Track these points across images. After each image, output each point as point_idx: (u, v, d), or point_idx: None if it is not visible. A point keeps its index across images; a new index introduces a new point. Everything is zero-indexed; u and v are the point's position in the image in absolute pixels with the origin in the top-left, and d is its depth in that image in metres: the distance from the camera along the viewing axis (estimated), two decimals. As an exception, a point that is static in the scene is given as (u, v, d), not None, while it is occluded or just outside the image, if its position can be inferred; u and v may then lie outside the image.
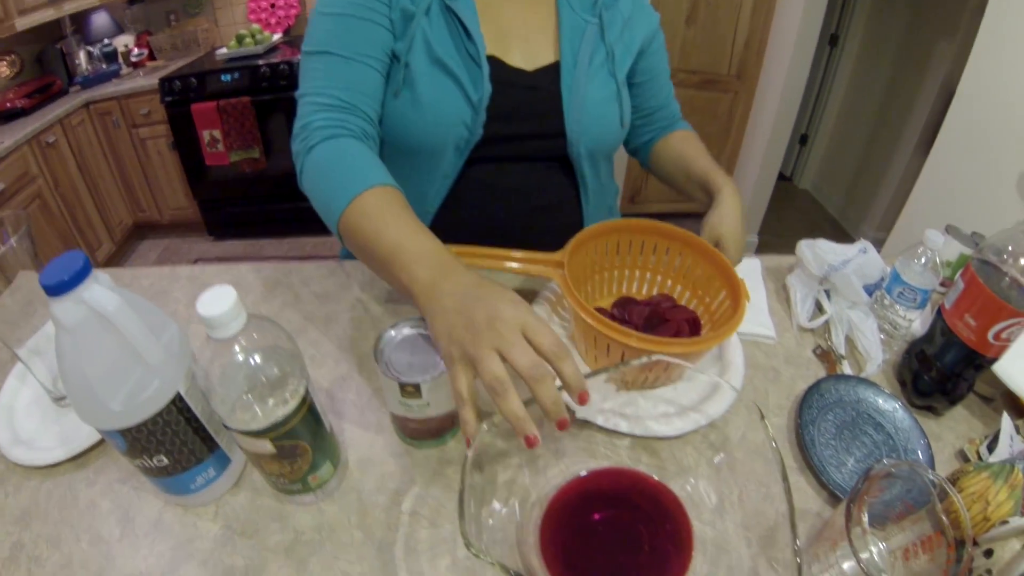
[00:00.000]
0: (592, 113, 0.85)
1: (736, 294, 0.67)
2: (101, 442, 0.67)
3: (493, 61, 0.81)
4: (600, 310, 0.75)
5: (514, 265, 0.71)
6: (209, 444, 0.55)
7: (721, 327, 0.65)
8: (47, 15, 2.86)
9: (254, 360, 0.47)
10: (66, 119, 2.84)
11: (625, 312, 0.75)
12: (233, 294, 0.44)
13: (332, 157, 0.71)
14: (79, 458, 0.65)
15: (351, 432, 0.67)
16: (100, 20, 3.29)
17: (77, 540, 0.57)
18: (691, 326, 0.72)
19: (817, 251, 0.84)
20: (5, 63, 2.97)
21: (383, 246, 0.59)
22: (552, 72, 0.84)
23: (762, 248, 2.93)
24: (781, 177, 2.80)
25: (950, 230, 0.88)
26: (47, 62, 3.13)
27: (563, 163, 0.90)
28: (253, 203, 3.23)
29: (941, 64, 2.63)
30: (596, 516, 0.54)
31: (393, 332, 0.59)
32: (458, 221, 0.89)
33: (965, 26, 2.48)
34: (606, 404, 0.66)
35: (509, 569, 0.40)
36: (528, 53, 0.84)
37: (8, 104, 2.78)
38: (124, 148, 3.14)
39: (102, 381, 0.47)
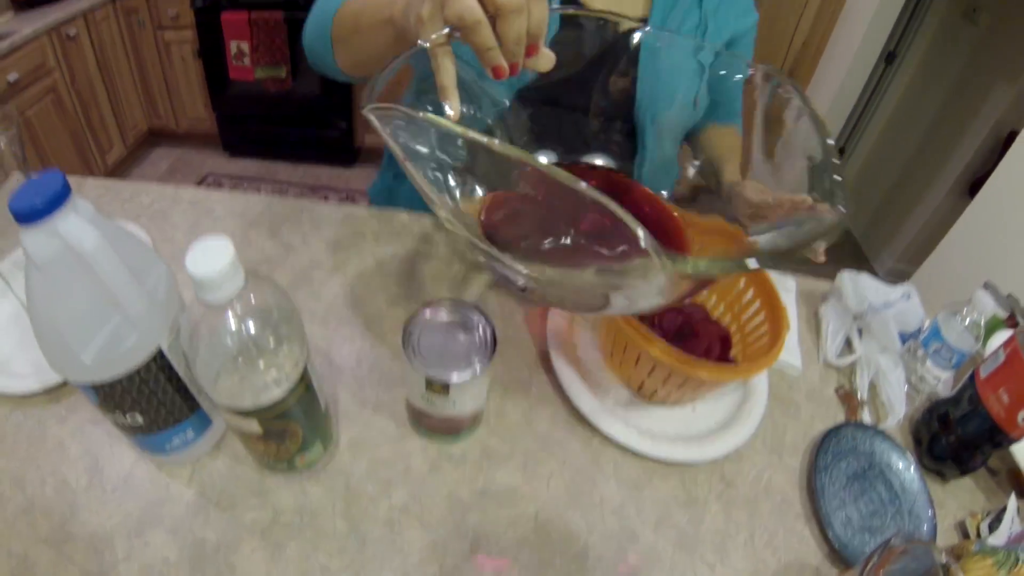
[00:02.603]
0: (667, 81, 0.76)
1: (777, 322, 0.62)
2: (78, 379, 0.63)
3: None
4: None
5: None
6: (190, 404, 0.51)
7: (755, 353, 0.61)
8: None
9: (248, 329, 0.41)
10: (90, 13, 2.74)
11: (656, 316, 0.71)
12: (230, 250, 0.37)
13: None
14: (53, 392, 0.61)
15: (346, 406, 0.62)
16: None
17: (42, 483, 0.53)
18: (722, 344, 0.68)
19: (859, 286, 0.79)
20: None
21: (369, 6, 0.63)
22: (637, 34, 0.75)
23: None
24: (812, 189, 2.74)
25: (988, 287, 0.83)
26: None
27: (624, 127, 0.80)
28: (273, 123, 3.15)
29: (996, 106, 2.53)
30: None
31: (428, 313, 0.52)
32: None
33: None
34: (621, 411, 0.63)
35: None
36: (616, 2, 0.77)
37: None
38: (147, 50, 3.04)
39: (74, 328, 0.41)
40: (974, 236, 1.58)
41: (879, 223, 3.16)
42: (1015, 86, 2.45)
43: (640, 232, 0.33)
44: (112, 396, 0.45)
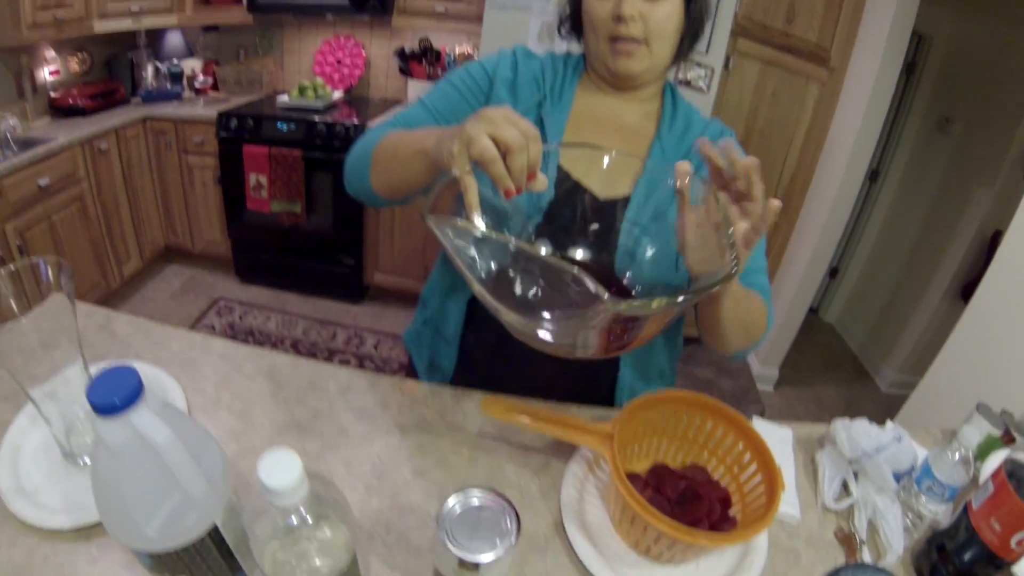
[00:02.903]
0: (646, 254, 0.86)
1: (772, 484, 0.68)
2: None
3: (565, 175, 0.88)
4: (633, 476, 0.76)
5: (561, 431, 0.73)
6: (233, 567, 0.55)
7: (754, 512, 0.67)
8: (125, 24, 3.00)
9: (305, 520, 0.47)
10: (122, 129, 2.94)
11: (659, 481, 0.76)
12: (298, 465, 0.44)
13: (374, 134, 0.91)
14: (83, 530, 0.63)
15: (377, 572, 0.65)
16: (173, 40, 3.45)
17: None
18: (723, 505, 0.73)
19: (852, 433, 0.85)
20: (76, 59, 3.12)
21: (406, 140, 0.81)
22: (621, 205, 0.88)
23: (782, 383, 2.91)
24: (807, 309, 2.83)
25: (981, 409, 0.88)
26: (115, 68, 3.28)
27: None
28: (285, 255, 3.27)
29: (978, 209, 2.69)
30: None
31: (458, 499, 0.58)
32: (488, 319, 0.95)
33: (1004, 176, 2.56)
34: (632, 571, 0.66)
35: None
36: (606, 182, 0.88)
37: (71, 101, 2.92)
38: (171, 170, 3.22)
39: (138, 505, 0.46)
40: (973, 341, 1.63)
41: (877, 337, 3.24)
42: (993, 187, 2.61)
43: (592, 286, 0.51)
44: (166, 562, 0.50)
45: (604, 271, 0.86)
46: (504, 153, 0.63)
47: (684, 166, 0.70)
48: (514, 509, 0.56)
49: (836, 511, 0.80)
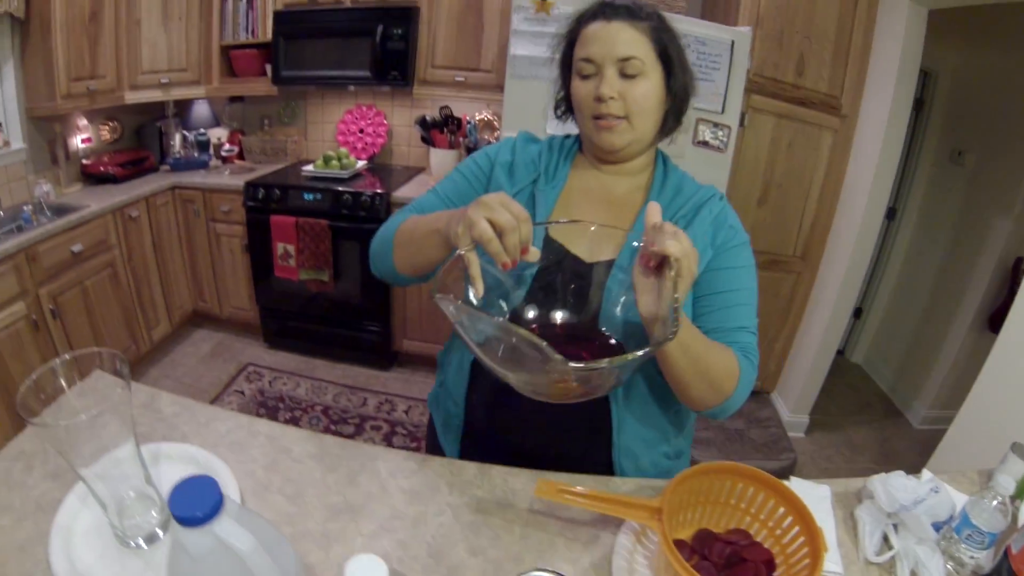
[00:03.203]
0: (631, 315, 0.90)
1: (815, 543, 0.71)
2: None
3: (552, 243, 0.95)
4: (679, 543, 0.79)
5: (611, 508, 0.77)
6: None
7: (798, 573, 0.70)
8: (154, 96, 3.18)
9: None
10: (152, 197, 3.06)
11: (705, 548, 0.79)
12: (385, 571, 0.47)
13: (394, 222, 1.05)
14: None
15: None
16: (201, 110, 3.59)
17: None
18: (768, 568, 0.75)
19: (889, 488, 0.87)
20: (107, 128, 3.28)
21: (422, 223, 0.94)
22: (604, 267, 0.94)
23: (813, 428, 2.90)
24: (833, 352, 2.84)
25: (1015, 449, 0.88)
26: (144, 137, 3.44)
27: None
28: (313, 321, 3.31)
29: (998, 237, 2.72)
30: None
31: None
32: (486, 381, 1.05)
33: (1022, 202, 2.60)
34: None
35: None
36: (592, 250, 0.95)
37: (102, 168, 3.06)
38: (199, 238, 3.33)
39: None
40: (1005, 372, 1.62)
41: (905, 374, 3.24)
42: (1012, 215, 2.64)
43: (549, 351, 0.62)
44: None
45: (587, 325, 0.93)
46: (500, 233, 0.74)
47: (653, 206, 0.78)
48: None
49: (879, 564, 0.82)
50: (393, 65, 3.00)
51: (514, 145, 1.10)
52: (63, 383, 0.72)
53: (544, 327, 0.92)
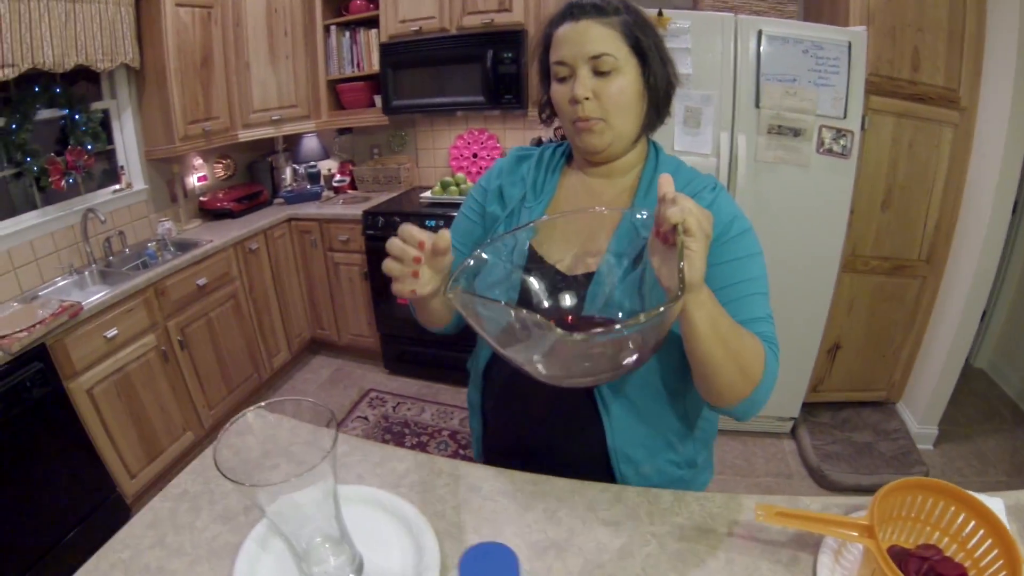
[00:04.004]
0: (615, 294, 0.92)
1: (1011, 554, 0.72)
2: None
3: (535, 257, 0.98)
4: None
5: (825, 528, 0.82)
6: None
7: None
8: (267, 132, 3.44)
9: None
10: (269, 230, 3.29)
11: (901, 563, 0.81)
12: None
13: None
14: None
15: None
16: (310, 143, 3.82)
17: None
18: None
19: None
20: (221, 166, 3.57)
21: None
22: (587, 279, 0.95)
23: (941, 440, 2.81)
24: (956, 358, 2.75)
25: None
26: (256, 172, 3.71)
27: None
28: (434, 347, 3.37)
29: None
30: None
31: None
32: (497, 381, 1.13)
33: None
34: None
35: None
36: (574, 262, 0.97)
37: (219, 204, 3.34)
38: (316, 267, 3.53)
39: None
40: None
41: None
42: None
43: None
44: None
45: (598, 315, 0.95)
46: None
47: (665, 178, 0.77)
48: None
49: None
50: (507, 88, 3.08)
51: (502, 168, 1.15)
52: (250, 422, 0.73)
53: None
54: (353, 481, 0.98)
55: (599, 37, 0.93)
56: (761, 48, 2.25)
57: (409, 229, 0.83)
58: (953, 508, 0.82)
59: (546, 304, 0.95)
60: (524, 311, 0.66)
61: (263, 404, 0.76)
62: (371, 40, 3.28)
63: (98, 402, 2.31)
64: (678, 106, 2.32)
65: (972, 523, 0.80)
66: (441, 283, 0.88)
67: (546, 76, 1.04)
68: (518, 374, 0.76)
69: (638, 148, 1.05)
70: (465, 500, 0.95)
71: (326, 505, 0.71)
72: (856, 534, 0.79)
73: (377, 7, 3.18)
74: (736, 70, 2.29)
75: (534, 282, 0.96)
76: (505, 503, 0.95)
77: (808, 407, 2.84)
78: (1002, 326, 3.39)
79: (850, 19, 2.37)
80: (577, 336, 0.63)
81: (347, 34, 3.34)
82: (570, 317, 0.94)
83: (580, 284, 0.95)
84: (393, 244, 0.84)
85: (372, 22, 3.24)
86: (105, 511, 2.34)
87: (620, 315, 0.91)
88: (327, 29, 3.35)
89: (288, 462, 0.75)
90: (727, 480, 2.61)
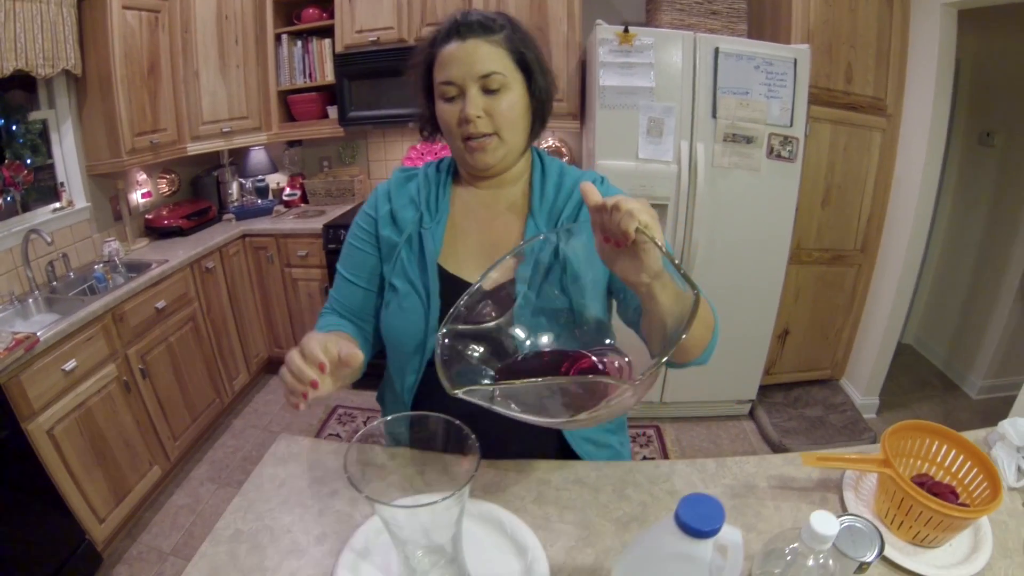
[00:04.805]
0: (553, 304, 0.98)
1: (991, 473, 0.95)
2: None
3: (450, 278, 1.06)
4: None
5: (852, 465, 1.02)
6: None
7: (981, 500, 0.95)
8: (216, 145, 3.37)
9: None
10: (224, 247, 3.23)
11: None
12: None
13: (322, 324, 1.16)
14: None
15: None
16: (257, 156, 3.79)
17: None
18: (955, 497, 1.00)
19: (1017, 428, 1.12)
20: (165, 181, 3.49)
21: None
22: (508, 288, 0.96)
23: (883, 409, 3.24)
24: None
25: None
26: (201, 187, 3.62)
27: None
28: None
29: None
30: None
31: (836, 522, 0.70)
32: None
33: None
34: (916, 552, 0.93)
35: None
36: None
37: (167, 221, 3.23)
38: (273, 284, 3.49)
39: None
40: None
41: (957, 349, 3.61)
42: None
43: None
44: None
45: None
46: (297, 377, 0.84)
47: (587, 187, 0.77)
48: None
49: (1019, 488, 1.05)
50: (461, 98, 3.17)
51: (388, 191, 1.15)
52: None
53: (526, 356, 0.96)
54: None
55: (487, 56, 0.97)
56: (717, 64, 2.51)
57: (311, 348, 0.84)
58: (937, 442, 1.05)
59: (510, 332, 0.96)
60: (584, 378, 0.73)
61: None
62: (324, 50, 3.31)
63: (59, 443, 2.16)
64: (641, 117, 2.56)
65: (953, 452, 1.03)
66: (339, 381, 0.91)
67: (428, 93, 1.07)
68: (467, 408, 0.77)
69: (525, 157, 1.12)
70: (540, 494, 1.02)
71: (452, 525, 0.75)
72: (874, 465, 0.98)
73: (331, 16, 3.21)
74: (695, 83, 2.55)
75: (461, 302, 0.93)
76: (578, 490, 1.03)
77: (762, 389, 3.17)
78: (924, 303, 3.88)
79: (792, 36, 2.69)
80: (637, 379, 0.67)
81: (299, 43, 3.35)
82: (565, 366, 0.93)
83: (503, 296, 0.96)
84: (292, 362, 0.84)
85: (325, 31, 3.28)
86: (76, 561, 2.21)
87: (560, 319, 0.97)
88: (278, 38, 3.35)
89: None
90: (698, 464, 2.83)
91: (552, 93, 1.08)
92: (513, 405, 0.75)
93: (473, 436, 0.76)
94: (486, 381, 0.88)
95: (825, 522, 0.69)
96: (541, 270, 0.98)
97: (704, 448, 2.98)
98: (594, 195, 0.76)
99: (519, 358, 0.94)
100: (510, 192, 1.13)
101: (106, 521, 2.37)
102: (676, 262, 0.73)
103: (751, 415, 3.20)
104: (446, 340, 0.86)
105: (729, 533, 0.66)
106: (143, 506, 2.64)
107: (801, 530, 0.71)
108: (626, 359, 0.92)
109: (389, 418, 0.89)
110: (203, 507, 2.70)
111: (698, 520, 0.60)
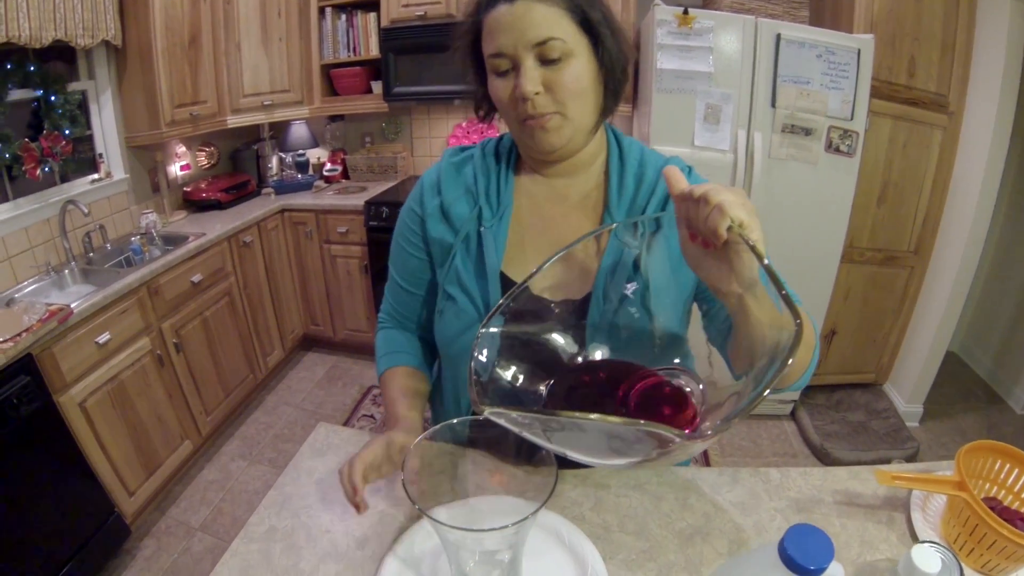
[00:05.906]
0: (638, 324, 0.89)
1: None
2: None
3: (511, 285, 0.91)
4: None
5: (925, 486, 0.97)
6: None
7: None
8: (257, 118, 3.38)
9: None
10: (263, 222, 3.25)
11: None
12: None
13: (383, 340, 1.14)
14: None
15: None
16: (298, 131, 3.78)
17: None
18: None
19: None
20: (204, 154, 3.50)
21: (385, 400, 1.05)
22: (581, 305, 0.88)
23: (926, 418, 3.19)
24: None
25: None
26: (240, 161, 3.65)
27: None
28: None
29: None
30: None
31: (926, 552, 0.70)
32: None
33: None
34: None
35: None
36: (563, 288, 0.87)
37: (205, 195, 3.26)
38: (311, 260, 3.51)
39: None
40: None
41: (1004, 361, 3.53)
42: None
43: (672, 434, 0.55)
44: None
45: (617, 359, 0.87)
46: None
47: (671, 171, 0.69)
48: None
49: None
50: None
51: (437, 182, 1.02)
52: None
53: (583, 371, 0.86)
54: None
55: (543, 19, 0.81)
56: (779, 50, 2.46)
57: (353, 477, 0.85)
58: (1009, 464, 1.01)
59: (562, 342, 0.86)
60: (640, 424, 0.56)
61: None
62: (368, 24, 3.29)
63: (92, 416, 2.19)
64: (699, 103, 2.51)
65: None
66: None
67: (479, 68, 0.93)
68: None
69: (597, 136, 0.97)
70: (598, 500, 0.98)
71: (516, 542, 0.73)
72: (949, 487, 0.95)
73: (377, -10, 3.21)
74: (755, 70, 2.50)
75: (529, 323, 0.83)
76: (637, 497, 0.99)
77: (805, 390, 3.12)
78: (973, 311, 3.79)
79: (854, 26, 2.62)
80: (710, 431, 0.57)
81: (343, 17, 3.34)
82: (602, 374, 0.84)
83: (572, 311, 0.87)
84: (341, 479, 0.87)
85: (370, 5, 3.25)
86: (105, 534, 2.25)
87: (623, 335, 0.88)
88: (322, 11, 3.35)
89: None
90: (736, 461, 2.85)
91: (627, 59, 0.91)
92: (552, 439, 0.66)
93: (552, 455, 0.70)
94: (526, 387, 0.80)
95: (927, 558, 0.68)
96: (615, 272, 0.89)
97: (744, 447, 2.95)
98: (680, 182, 0.68)
99: (570, 368, 0.83)
100: (583, 182, 0.99)
101: (136, 494, 2.41)
102: (775, 273, 0.60)
103: (792, 416, 3.16)
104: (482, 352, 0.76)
105: (835, 570, 0.62)
106: (173, 480, 2.67)
107: (899, 564, 0.70)
108: (700, 386, 0.79)
109: (455, 421, 0.81)
110: (233, 483, 2.73)
111: (806, 557, 0.56)
